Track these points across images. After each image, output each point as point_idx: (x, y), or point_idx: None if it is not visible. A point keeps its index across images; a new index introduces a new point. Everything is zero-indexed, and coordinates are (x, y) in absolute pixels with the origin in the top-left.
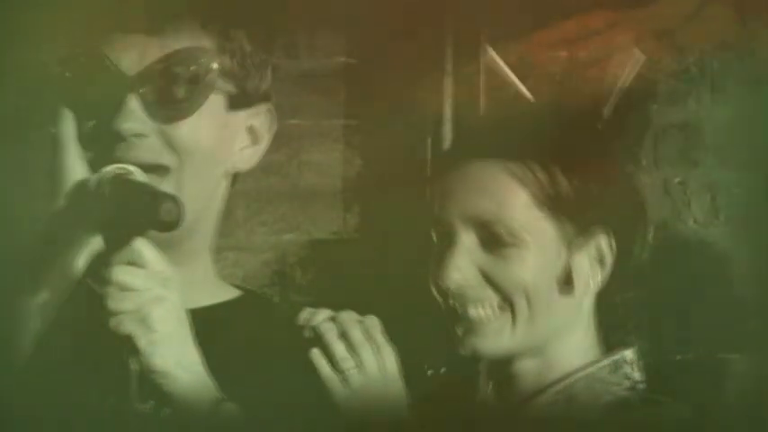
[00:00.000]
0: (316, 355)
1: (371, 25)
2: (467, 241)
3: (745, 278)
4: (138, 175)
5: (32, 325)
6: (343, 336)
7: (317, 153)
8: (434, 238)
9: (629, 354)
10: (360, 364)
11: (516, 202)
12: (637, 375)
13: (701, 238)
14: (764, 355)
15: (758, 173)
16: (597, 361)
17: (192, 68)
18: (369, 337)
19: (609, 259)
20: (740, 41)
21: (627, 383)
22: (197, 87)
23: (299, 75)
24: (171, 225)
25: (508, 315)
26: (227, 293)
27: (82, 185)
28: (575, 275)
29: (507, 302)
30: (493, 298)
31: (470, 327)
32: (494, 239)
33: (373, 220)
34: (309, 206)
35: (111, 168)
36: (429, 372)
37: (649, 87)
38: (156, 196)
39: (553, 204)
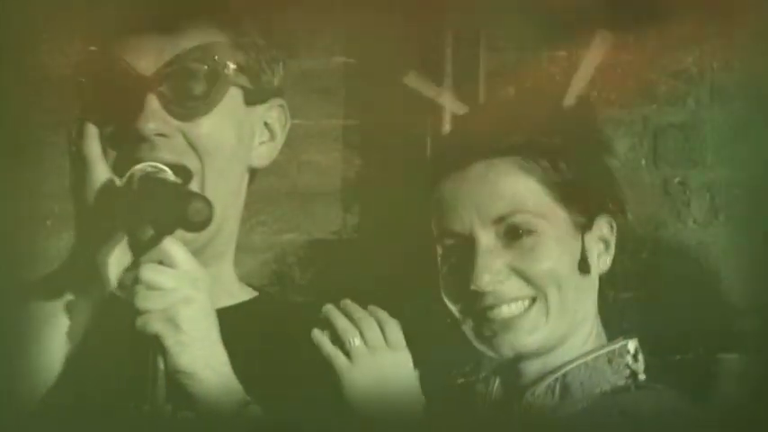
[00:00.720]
0: (317, 334)
1: (371, 25)
2: (487, 241)
3: (744, 278)
4: (168, 174)
5: (62, 327)
6: (347, 314)
7: (317, 153)
8: (440, 251)
9: (630, 344)
10: (363, 335)
11: (527, 191)
12: (637, 366)
13: (700, 238)
14: (764, 355)
15: (758, 172)
16: (595, 350)
17: (208, 64)
18: (371, 313)
19: (612, 240)
20: (740, 41)
21: (626, 372)
22: (215, 83)
23: (299, 75)
24: (200, 225)
25: (542, 306)
26: (245, 294)
27: (110, 183)
28: (589, 256)
29: (540, 294)
30: (526, 291)
31: (504, 326)
32: (512, 232)
33: (373, 220)
34: (309, 206)
35: (141, 166)
36: (457, 379)
37: (649, 87)
38: (186, 196)
39: (559, 188)
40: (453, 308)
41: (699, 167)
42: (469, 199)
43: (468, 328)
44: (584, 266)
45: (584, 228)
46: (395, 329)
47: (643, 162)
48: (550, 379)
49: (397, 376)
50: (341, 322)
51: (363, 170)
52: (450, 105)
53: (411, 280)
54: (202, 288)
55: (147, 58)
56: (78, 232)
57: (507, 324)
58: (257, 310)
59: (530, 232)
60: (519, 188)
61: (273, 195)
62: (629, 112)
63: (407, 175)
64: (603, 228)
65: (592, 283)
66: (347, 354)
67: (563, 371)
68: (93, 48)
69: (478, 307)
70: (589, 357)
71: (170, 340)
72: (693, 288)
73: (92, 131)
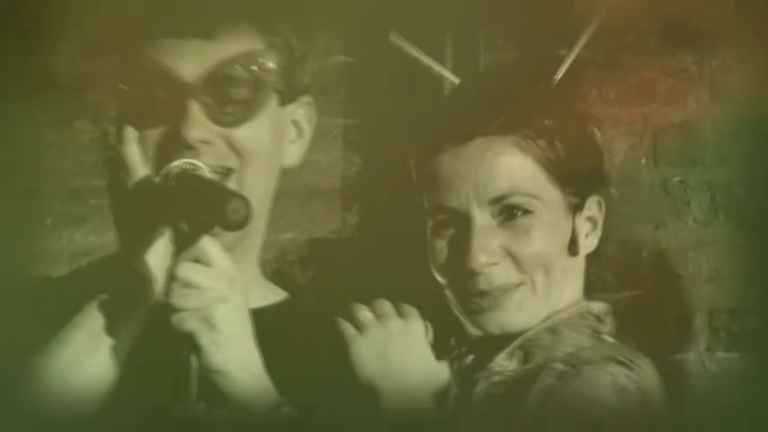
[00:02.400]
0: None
1: (371, 25)
2: (483, 221)
3: (744, 278)
4: (205, 170)
5: (99, 325)
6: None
7: (317, 152)
8: (431, 224)
9: (593, 306)
10: (374, 311)
11: (525, 171)
12: (602, 327)
13: (700, 238)
14: (764, 355)
15: (758, 172)
16: (556, 314)
17: (251, 72)
18: (398, 309)
19: (600, 219)
20: (739, 39)
21: (589, 332)
22: (258, 90)
23: None
24: (238, 224)
25: (529, 288)
26: (274, 293)
27: (147, 182)
28: (578, 237)
29: (528, 278)
30: (514, 278)
31: (492, 304)
32: (508, 212)
33: (373, 219)
34: (309, 205)
35: (177, 163)
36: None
37: (649, 86)
38: (224, 194)
39: (554, 168)
40: (442, 281)
41: (699, 166)
42: (467, 177)
43: (454, 302)
44: (573, 248)
45: (576, 208)
46: (408, 306)
47: (643, 161)
48: (511, 347)
49: (405, 343)
50: (360, 309)
51: (363, 169)
52: (437, 69)
53: (411, 279)
54: (238, 288)
55: (189, 64)
56: (120, 234)
57: (495, 303)
58: (288, 311)
59: (526, 213)
60: (517, 168)
61: (273, 194)
62: (629, 111)
63: (407, 175)
64: (593, 207)
65: (579, 264)
66: (358, 327)
67: (522, 337)
68: (130, 50)
69: (468, 286)
70: (548, 322)
71: (204, 339)
72: (693, 287)
73: (131, 135)
